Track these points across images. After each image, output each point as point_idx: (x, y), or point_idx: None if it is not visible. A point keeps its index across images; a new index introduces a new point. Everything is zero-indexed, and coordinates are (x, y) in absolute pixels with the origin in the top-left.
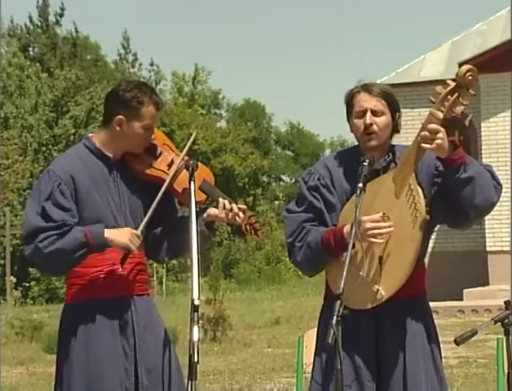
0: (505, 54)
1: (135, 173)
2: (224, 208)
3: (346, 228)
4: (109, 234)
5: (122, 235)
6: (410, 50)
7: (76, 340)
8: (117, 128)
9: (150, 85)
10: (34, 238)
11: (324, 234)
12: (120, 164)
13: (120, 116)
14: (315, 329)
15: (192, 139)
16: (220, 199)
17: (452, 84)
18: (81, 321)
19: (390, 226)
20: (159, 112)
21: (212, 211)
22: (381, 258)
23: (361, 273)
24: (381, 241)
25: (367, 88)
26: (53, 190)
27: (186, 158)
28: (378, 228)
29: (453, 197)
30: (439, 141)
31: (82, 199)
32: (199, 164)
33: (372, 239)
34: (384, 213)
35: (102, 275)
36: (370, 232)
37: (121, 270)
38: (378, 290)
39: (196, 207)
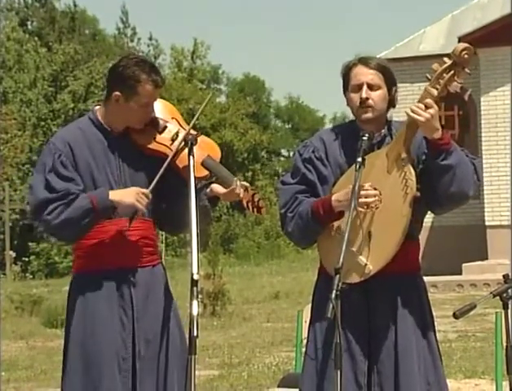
0: (505, 28)
1: (138, 146)
2: (233, 189)
3: (335, 196)
4: (114, 195)
5: (128, 195)
6: (410, 23)
7: (75, 312)
8: (115, 104)
9: (150, 63)
10: (42, 211)
11: (313, 203)
12: (122, 138)
13: (117, 93)
14: None
15: (200, 110)
16: (235, 181)
17: (448, 62)
18: (81, 292)
19: (375, 196)
20: (158, 90)
21: (216, 187)
22: (370, 233)
23: (351, 247)
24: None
25: (364, 61)
26: (54, 162)
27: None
28: (365, 196)
29: (431, 181)
30: (427, 115)
31: (80, 170)
32: (205, 138)
33: (359, 208)
34: (375, 189)
35: (103, 247)
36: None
37: (128, 227)
38: (366, 264)
39: (198, 182)
